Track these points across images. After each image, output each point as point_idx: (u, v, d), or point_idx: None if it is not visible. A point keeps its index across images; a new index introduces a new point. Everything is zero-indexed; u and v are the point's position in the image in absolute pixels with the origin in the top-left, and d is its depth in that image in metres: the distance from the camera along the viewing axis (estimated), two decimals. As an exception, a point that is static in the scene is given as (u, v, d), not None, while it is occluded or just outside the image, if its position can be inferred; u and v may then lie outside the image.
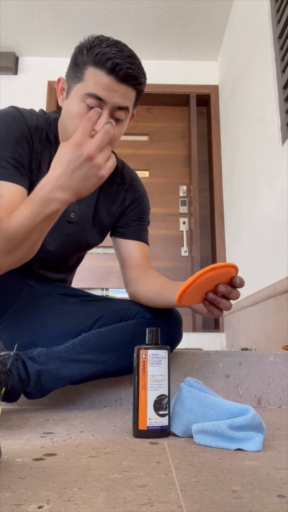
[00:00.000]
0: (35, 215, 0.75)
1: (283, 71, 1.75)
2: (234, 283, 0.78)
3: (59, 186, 0.74)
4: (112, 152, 1.12)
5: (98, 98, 0.88)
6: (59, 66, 3.13)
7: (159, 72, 3.05)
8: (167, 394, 0.73)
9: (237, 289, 0.80)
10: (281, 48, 1.79)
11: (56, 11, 2.73)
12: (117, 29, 2.84)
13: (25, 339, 1.00)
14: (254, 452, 0.63)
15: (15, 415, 0.91)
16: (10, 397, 0.86)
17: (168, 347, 0.77)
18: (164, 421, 0.72)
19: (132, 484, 0.47)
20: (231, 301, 0.81)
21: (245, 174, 2.31)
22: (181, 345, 1.06)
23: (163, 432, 0.72)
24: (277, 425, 0.84)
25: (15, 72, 3.11)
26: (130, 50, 0.91)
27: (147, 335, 0.76)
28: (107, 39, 0.90)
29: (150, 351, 0.74)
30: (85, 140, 0.73)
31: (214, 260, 2.87)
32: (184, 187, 3.06)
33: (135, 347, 0.75)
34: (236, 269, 0.76)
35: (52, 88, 3.06)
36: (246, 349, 1.71)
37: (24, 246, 0.79)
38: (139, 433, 0.72)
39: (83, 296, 1.09)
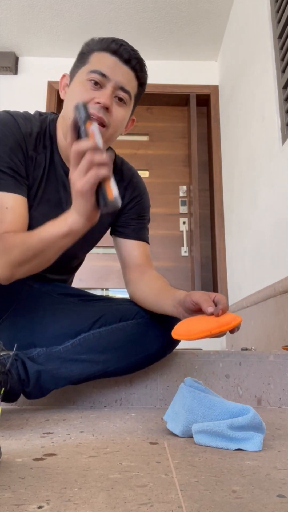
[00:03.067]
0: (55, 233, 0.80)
1: (283, 71, 1.75)
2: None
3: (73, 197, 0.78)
4: (111, 149, 1.13)
5: (102, 75, 0.91)
6: (59, 66, 3.14)
7: (159, 72, 3.05)
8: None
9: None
10: (281, 48, 1.79)
11: (56, 11, 2.73)
12: (117, 29, 2.84)
13: (25, 339, 1.00)
14: (254, 452, 0.63)
15: (15, 415, 0.91)
16: (9, 397, 0.86)
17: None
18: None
19: (132, 484, 0.47)
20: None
21: (245, 174, 2.31)
22: (181, 345, 1.06)
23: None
24: (277, 425, 0.84)
25: (15, 72, 3.11)
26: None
27: (86, 110, 0.78)
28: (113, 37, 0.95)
29: (93, 127, 0.76)
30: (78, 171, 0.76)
31: (214, 260, 2.87)
32: (184, 187, 3.06)
33: (84, 126, 0.76)
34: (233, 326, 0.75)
35: (52, 88, 3.06)
36: (246, 349, 1.71)
37: (38, 260, 0.84)
38: (111, 203, 0.73)
39: (83, 296, 1.09)
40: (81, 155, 0.74)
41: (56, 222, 0.81)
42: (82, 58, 0.95)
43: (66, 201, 1.01)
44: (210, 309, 0.76)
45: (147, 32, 2.89)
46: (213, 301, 0.78)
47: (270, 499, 0.43)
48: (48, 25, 2.86)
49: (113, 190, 0.74)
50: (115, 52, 0.91)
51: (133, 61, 0.93)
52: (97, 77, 0.90)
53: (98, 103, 0.89)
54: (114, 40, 0.93)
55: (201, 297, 0.79)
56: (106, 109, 0.90)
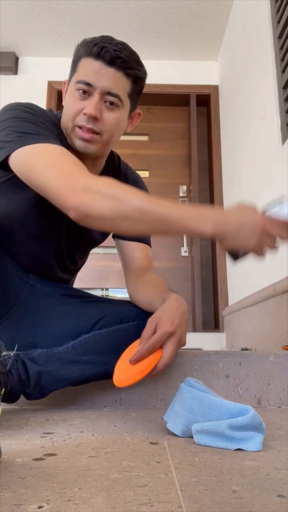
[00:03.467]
0: (176, 218, 0.73)
1: (283, 71, 1.75)
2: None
3: (224, 222, 0.73)
4: (115, 153, 1.13)
5: (87, 84, 0.91)
6: (59, 66, 3.14)
7: (159, 72, 3.05)
8: None
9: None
10: (281, 48, 1.79)
11: (56, 11, 2.73)
12: (117, 29, 2.83)
13: (26, 339, 1.00)
14: (254, 452, 0.63)
15: (15, 415, 0.91)
16: (9, 398, 0.86)
17: None
18: None
19: (132, 484, 0.47)
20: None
21: (245, 174, 2.31)
22: (181, 345, 1.06)
23: None
24: (277, 425, 0.84)
25: (15, 72, 3.11)
26: (123, 42, 0.94)
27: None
28: (104, 35, 0.94)
29: None
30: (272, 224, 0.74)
31: (214, 260, 2.87)
32: (184, 187, 3.06)
33: None
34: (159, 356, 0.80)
35: (52, 88, 3.06)
36: (246, 349, 1.71)
37: (139, 226, 0.77)
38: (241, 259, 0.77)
39: (84, 297, 1.09)
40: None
41: (191, 214, 0.73)
42: (73, 65, 0.96)
43: None
44: (132, 358, 0.80)
45: (147, 32, 2.89)
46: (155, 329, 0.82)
47: (270, 499, 0.43)
48: (48, 25, 2.86)
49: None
50: (98, 56, 0.90)
51: (117, 61, 0.91)
52: (83, 87, 0.92)
53: (85, 114, 0.91)
54: (96, 43, 0.90)
55: (145, 330, 0.82)
56: (95, 118, 0.91)
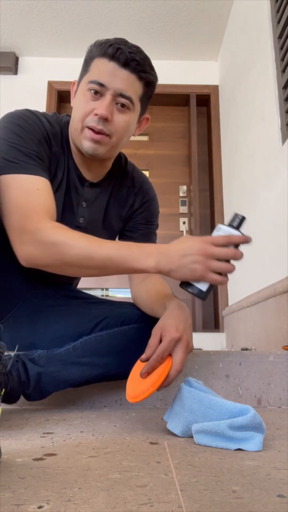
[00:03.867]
0: (119, 259, 0.78)
1: (283, 71, 1.75)
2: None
3: (166, 253, 0.78)
4: (123, 155, 1.13)
5: (100, 84, 0.90)
6: (59, 66, 3.15)
7: (159, 72, 3.01)
8: None
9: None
10: (281, 48, 1.79)
11: (56, 11, 2.73)
12: (117, 29, 2.84)
13: (27, 339, 1.00)
14: (254, 452, 0.63)
15: (15, 415, 0.91)
16: (9, 399, 0.86)
17: None
18: None
19: (132, 484, 0.47)
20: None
21: (245, 174, 2.31)
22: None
23: None
24: (277, 425, 0.84)
25: (15, 72, 3.11)
26: (137, 46, 0.94)
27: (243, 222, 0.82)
28: (115, 37, 0.94)
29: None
30: (212, 244, 0.77)
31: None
32: (184, 187, 3.06)
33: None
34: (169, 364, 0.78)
35: (52, 88, 3.06)
36: (246, 349, 1.71)
37: (88, 271, 0.83)
38: (204, 297, 0.79)
39: (85, 299, 1.09)
40: (230, 243, 0.77)
41: (134, 252, 0.78)
42: (85, 65, 0.95)
43: (77, 204, 1.02)
44: (142, 371, 0.78)
45: (147, 32, 2.89)
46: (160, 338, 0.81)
47: (270, 499, 0.43)
48: (48, 25, 2.86)
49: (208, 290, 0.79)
50: (112, 57, 0.89)
51: (132, 63, 0.90)
52: (95, 87, 0.90)
53: (96, 114, 0.90)
54: (111, 44, 0.90)
55: (151, 340, 0.81)
56: (106, 119, 0.90)
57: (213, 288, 0.79)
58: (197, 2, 2.64)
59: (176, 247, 0.77)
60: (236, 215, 0.81)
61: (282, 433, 0.76)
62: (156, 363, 0.77)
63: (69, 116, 1.02)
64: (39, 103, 2.99)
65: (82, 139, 0.93)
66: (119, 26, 2.83)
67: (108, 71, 0.90)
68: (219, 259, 0.75)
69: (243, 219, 0.81)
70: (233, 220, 0.80)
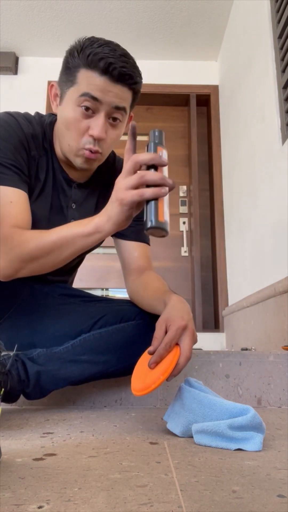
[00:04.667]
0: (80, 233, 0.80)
1: (283, 71, 1.75)
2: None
3: (103, 212, 0.79)
4: (112, 152, 1.13)
5: (94, 98, 0.87)
6: (59, 66, 3.14)
7: (159, 72, 3.05)
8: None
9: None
10: (281, 48, 1.79)
11: (56, 11, 2.73)
12: (117, 29, 2.84)
13: (25, 339, 1.00)
14: (254, 452, 0.63)
15: (15, 415, 0.91)
16: (9, 398, 0.86)
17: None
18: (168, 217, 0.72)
19: (132, 484, 0.47)
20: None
21: (245, 174, 2.31)
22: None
23: (168, 225, 0.71)
24: (277, 425, 0.84)
25: (15, 72, 3.11)
26: (123, 49, 0.89)
27: (162, 134, 0.74)
28: (98, 39, 0.88)
29: (164, 150, 0.73)
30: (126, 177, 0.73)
31: (214, 260, 2.87)
32: (184, 187, 3.06)
33: (151, 143, 0.72)
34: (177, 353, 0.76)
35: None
36: (246, 349, 1.71)
37: (52, 257, 0.84)
38: (159, 223, 0.69)
39: (83, 297, 1.09)
40: (138, 166, 0.71)
41: (80, 222, 0.81)
42: (70, 73, 0.90)
43: (66, 206, 1.02)
44: (151, 361, 0.77)
45: (147, 32, 2.89)
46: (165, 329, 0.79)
47: (270, 499, 0.43)
48: (48, 25, 2.86)
49: (165, 213, 0.71)
50: (104, 72, 0.85)
51: (125, 77, 0.87)
52: (87, 103, 0.87)
53: (92, 135, 0.89)
54: (101, 58, 0.85)
55: (156, 332, 0.80)
56: (102, 139, 0.90)
57: (157, 207, 0.70)
58: (197, 2, 2.64)
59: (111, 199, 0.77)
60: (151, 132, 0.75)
61: (282, 433, 0.76)
62: (164, 352, 0.76)
63: (53, 115, 1.01)
64: (39, 103, 2.99)
65: (76, 158, 0.94)
66: (119, 26, 2.83)
67: (100, 86, 0.86)
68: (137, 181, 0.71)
69: (157, 133, 0.74)
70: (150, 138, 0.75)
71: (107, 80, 0.87)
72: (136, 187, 0.70)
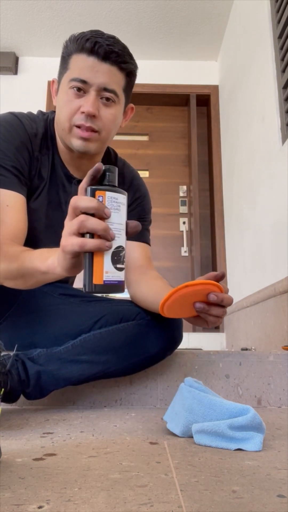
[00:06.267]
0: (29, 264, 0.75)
1: (283, 71, 1.75)
2: (211, 299, 0.72)
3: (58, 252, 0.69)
4: (113, 150, 1.13)
5: (82, 81, 0.89)
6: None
7: (159, 72, 3.05)
8: (124, 246, 0.62)
9: (229, 295, 0.76)
10: (281, 48, 1.79)
11: (56, 11, 2.73)
12: (117, 29, 2.83)
13: (25, 339, 1.00)
14: (254, 452, 0.63)
15: (15, 415, 0.91)
16: (9, 398, 0.86)
17: (126, 193, 0.65)
18: (121, 276, 0.61)
19: (132, 484, 0.47)
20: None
21: (245, 174, 2.31)
22: (181, 345, 1.06)
23: (119, 287, 0.61)
24: (277, 425, 0.84)
25: (15, 72, 3.11)
26: (114, 36, 0.91)
27: (106, 174, 0.61)
28: (90, 30, 0.91)
29: (108, 194, 0.60)
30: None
31: (214, 260, 2.87)
32: (184, 187, 3.06)
33: (88, 187, 0.61)
34: (218, 287, 0.71)
35: (52, 88, 3.06)
36: (246, 349, 1.71)
37: (19, 282, 0.81)
38: (94, 288, 0.59)
39: (83, 297, 1.09)
40: (76, 211, 0.60)
41: (43, 254, 0.74)
42: (64, 63, 0.93)
43: (65, 202, 1.01)
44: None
45: (147, 32, 2.89)
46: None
47: (270, 499, 0.43)
48: (48, 25, 2.86)
49: (105, 272, 0.60)
50: (91, 52, 0.88)
51: (111, 56, 0.88)
52: (78, 84, 0.89)
53: (83, 112, 0.89)
54: (88, 39, 0.88)
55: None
56: (94, 116, 0.90)
57: (91, 260, 0.60)
58: (197, 2, 2.64)
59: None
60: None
61: (282, 433, 0.76)
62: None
63: (55, 112, 1.01)
64: (39, 103, 2.99)
65: (71, 138, 0.93)
66: (119, 26, 2.83)
67: (88, 67, 0.89)
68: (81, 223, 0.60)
69: (104, 173, 0.62)
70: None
71: (95, 59, 0.88)
72: (78, 233, 0.60)
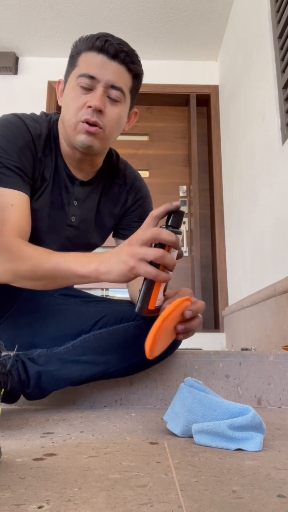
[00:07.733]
0: (65, 267, 0.77)
1: (283, 71, 1.75)
2: (187, 316, 0.72)
3: (107, 257, 0.74)
4: (115, 152, 1.13)
5: (90, 77, 0.89)
6: (59, 66, 3.14)
7: (159, 72, 3.05)
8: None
9: (196, 299, 0.76)
10: (281, 48, 1.79)
11: (56, 11, 2.73)
12: (117, 29, 2.83)
13: (26, 339, 1.00)
14: (254, 452, 0.63)
15: (15, 415, 0.91)
16: (9, 398, 0.86)
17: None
18: (162, 299, 0.72)
19: (132, 484, 0.47)
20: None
21: (245, 174, 2.31)
22: (181, 345, 1.06)
23: (160, 309, 0.71)
24: (277, 425, 0.84)
25: (15, 72, 3.11)
26: (122, 39, 0.93)
27: (182, 216, 0.72)
28: (99, 32, 0.93)
29: (179, 236, 0.71)
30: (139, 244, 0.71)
31: (214, 260, 2.87)
32: (184, 187, 3.06)
33: (170, 228, 0.71)
34: (188, 300, 0.72)
35: (52, 88, 3.06)
36: (246, 349, 1.71)
37: (44, 283, 0.82)
38: (147, 313, 0.70)
39: (84, 297, 1.09)
40: (155, 240, 0.69)
41: (81, 257, 0.77)
42: (72, 61, 0.94)
43: (68, 203, 1.01)
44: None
45: (147, 32, 2.89)
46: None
47: (270, 499, 0.43)
48: (48, 25, 2.86)
49: (158, 299, 0.70)
50: (101, 50, 0.89)
51: (121, 55, 0.90)
52: (86, 80, 0.89)
53: (90, 106, 0.89)
54: (98, 37, 0.89)
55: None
56: (100, 111, 0.89)
57: (150, 292, 0.70)
58: (197, 2, 2.64)
59: (111, 252, 0.75)
60: (173, 214, 0.72)
61: (282, 433, 0.76)
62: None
63: (59, 113, 1.01)
64: (39, 103, 2.99)
65: (77, 134, 0.92)
66: (119, 26, 2.83)
67: (97, 64, 0.89)
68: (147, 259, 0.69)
69: (179, 215, 0.72)
70: (169, 219, 0.73)
71: (104, 57, 0.89)
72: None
